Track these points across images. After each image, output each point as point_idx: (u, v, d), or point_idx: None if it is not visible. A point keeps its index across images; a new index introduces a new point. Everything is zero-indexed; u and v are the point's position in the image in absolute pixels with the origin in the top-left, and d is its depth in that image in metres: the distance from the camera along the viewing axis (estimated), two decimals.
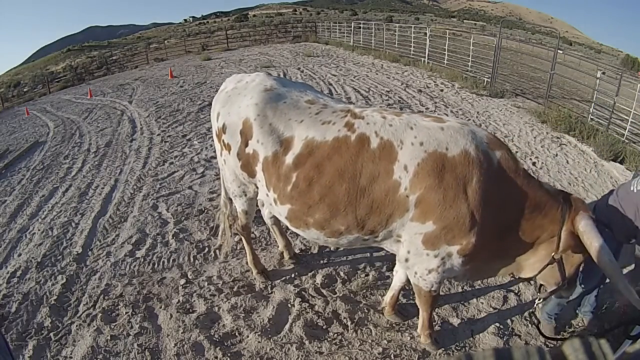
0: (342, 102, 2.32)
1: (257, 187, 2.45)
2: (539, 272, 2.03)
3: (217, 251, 3.50)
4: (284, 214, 2.23)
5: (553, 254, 1.93)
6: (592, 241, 1.78)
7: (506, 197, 1.90)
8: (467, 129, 1.93)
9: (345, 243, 2.18)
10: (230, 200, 2.87)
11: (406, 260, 2.07)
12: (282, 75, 11.32)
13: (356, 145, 1.97)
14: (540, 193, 1.93)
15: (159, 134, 7.14)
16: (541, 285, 2.24)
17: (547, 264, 1.98)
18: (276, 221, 3.16)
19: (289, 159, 2.11)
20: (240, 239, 3.23)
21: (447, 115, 7.17)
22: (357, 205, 1.97)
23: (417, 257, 2.02)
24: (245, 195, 2.63)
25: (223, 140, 2.45)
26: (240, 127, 2.31)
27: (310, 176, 2.04)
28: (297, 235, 3.60)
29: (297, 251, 3.38)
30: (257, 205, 2.81)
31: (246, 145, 2.30)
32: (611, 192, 2.26)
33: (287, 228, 3.40)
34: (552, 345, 2.45)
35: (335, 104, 2.24)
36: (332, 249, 3.41)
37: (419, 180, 1.87)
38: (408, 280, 3.11)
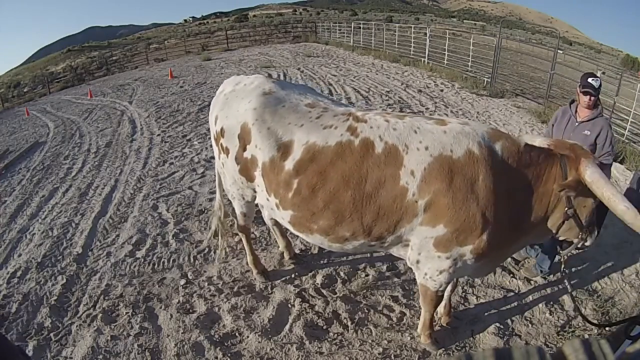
0: (343, 105, 2.28)
1: (255, 192, 2.44)
2: (556, 232, 2.00)
3: (214, 251, 3.50)
4: (286, 219, 2.20)
5: (566, 209, 1.89)
6: (603, 190, 1.73)
7: (514, 184, 1.88)
8: (468, 128, 1.92)
9: (350, 248, 2.15)
10: (224, 203, 2.86)
11: (417, 262, 2.05)
12: (282, 76, 11.31)
13: (360, 150, 1.94)
14: (539, 160, 1.89)
15: (159, 134, 7.14)
16: (562, 241, 2.19)
17: (562, 222, 1.94)
18: (277, 222, 3.15)
19: (289, 164, 2.07)
20: (241, 239, 3.23)
21: (447, 115, 7.19)
22: (363, 211, 1.94)
23: (428, 259, 2.01)
24: (243, 198, 2.62)
25: (221, 144, 2.44)
26: (238, 131, 2.29)
27: (313, 183, 2.00)
28: (297, 235, 3.60)
29: (297, 251, 3.38)
30: (257, 206, 2.81)
31: (244, 149, 2.28)
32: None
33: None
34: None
35: (337, 106, 2.20)
36: None
37: (427, 185, 1.85)
38: (406, 282, 3.10)
